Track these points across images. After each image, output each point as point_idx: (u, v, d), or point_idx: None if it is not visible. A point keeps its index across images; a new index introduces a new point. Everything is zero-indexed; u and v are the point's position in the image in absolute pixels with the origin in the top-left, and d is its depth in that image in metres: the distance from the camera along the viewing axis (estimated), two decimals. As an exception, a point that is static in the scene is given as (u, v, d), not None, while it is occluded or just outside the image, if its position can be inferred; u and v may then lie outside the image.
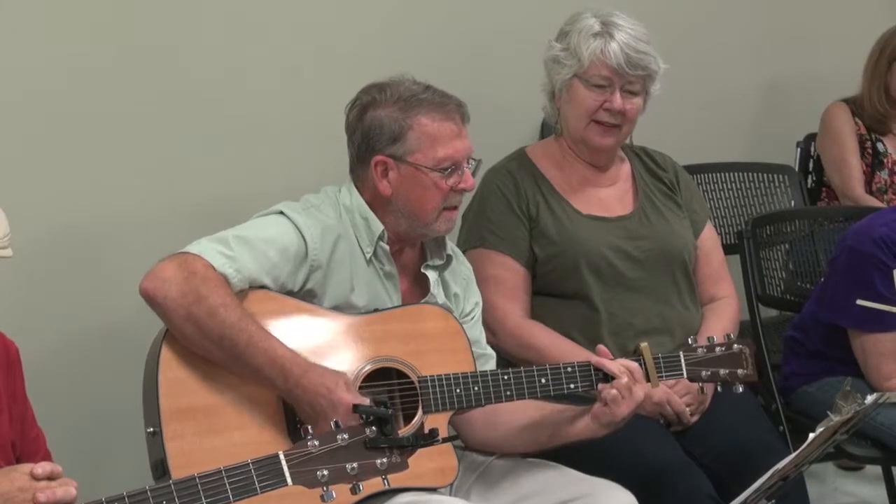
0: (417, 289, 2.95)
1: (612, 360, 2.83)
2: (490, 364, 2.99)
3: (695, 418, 3.21)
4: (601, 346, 2.88)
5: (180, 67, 3.55)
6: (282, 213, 2.81)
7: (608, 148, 3.33)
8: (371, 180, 2.85)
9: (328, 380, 2.61)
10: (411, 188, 2.82)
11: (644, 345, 2.88)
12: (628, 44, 3.22)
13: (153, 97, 3.51)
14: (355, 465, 2.21)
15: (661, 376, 2.91)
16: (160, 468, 2.58)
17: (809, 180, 4.76)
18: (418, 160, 2.81)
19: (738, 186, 4.49)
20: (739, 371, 2.97)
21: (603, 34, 3.23)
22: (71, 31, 3.39)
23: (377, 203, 2.86)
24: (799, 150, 4.80)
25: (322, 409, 2.59)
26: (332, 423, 2.24)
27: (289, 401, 2.66)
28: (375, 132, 2.82)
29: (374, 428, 2.24)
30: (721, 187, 4.47)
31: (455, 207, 2.88)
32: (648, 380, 2.86)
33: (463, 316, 2.98)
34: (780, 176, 4.55)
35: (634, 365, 2.81)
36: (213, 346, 2.62)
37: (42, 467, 2.18)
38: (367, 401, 2.58)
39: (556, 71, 3.29)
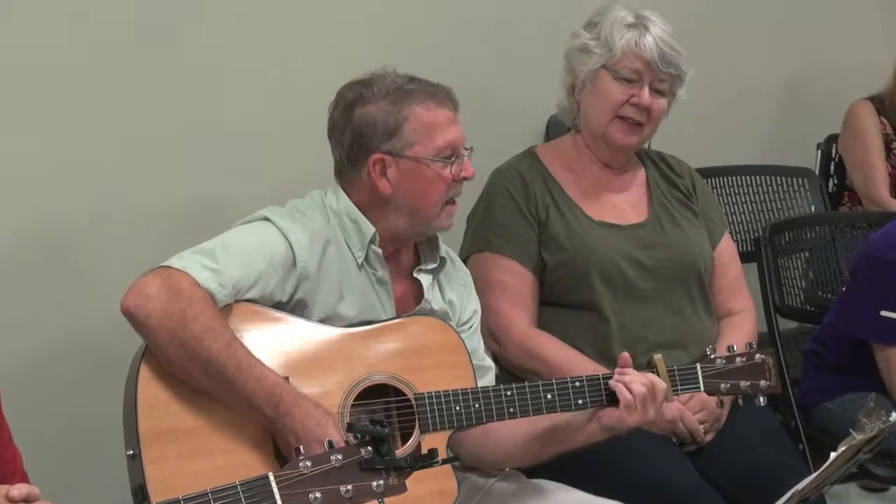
0: (412, 294, 2.93)
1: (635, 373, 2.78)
2: (488, 377, 2.97)
3: (709, 436, 3.20)
4: (625, 354, 2.82)
5: (166, 63, 3.55)
6: (266, 219, 2.80)
7: (629, 147, 3.33)
8: (367, 181, 2.82)
9: (319, 413, 2.60)
10: (413, 183, 2.81)
11: (658, 356, 2.85)
12: (663, 39, 3.23)
13: (139, 94, 3.51)
14: (350, 487, 2.20)
15: (677, 391, 2.89)
16: (140, 494, 2.57)
17: (831, 184, 4.76)
18: (418, 153, 2.79)
19: (755, 191, 4.50)
20: (762, 383, 2.94)
21: (637, 26, 3.24)
22: (50, 22, 3.38)
23: (374, 204, 2.83)
24: (819, 151, 4.80)
25: (308, 442, 2.56)
26: (325, 444, 2.23)
27: (274, 429, 2.63)
28: (368, 129, 2.80)
29: (369, 448, 2.23)
30: (737, 192, 4.47)
31: (454, 201, 2.87)
32: None
33: (460, 325, 2.97)
34: (800, 179, 4.56)
35: (661, 386, 2.75)
36: (199, 370, 2.60)
37: (18, 489, 2.17)
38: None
39: (582, 61, 3.29)
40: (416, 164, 2.79)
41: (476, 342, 2.99)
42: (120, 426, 2.68)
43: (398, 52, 3.76)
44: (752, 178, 4.51)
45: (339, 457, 2.20)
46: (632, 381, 2.71)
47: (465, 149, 2.85)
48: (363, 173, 2.83)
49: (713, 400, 3.17)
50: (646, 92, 3.25)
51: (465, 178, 2.85)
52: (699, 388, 2.92)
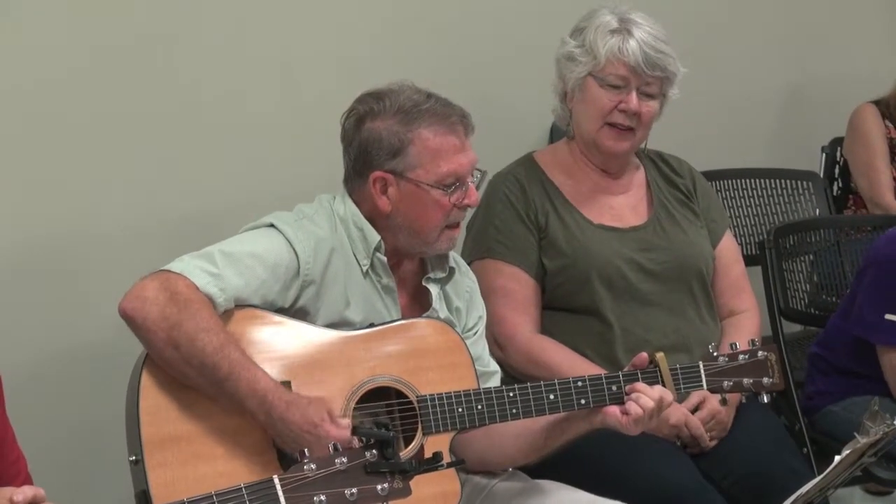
0: (418, 303, 2.94)
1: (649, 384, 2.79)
2: (493, 382, 2.97)
3: (713, 443, 3.21)
4: (643, 354, 2.83)
5: (168, 70, 3.55)
6: (272, 225, 2.80)
7: (621, 153, 3.34)
8: (369, 195, 2.83)
9: (313, 413, 2.59)
10: (411, 205, 2.81)
11: (660, 355, 2.84)
12: (647, 42, 3.23)
13: (138, 100, 3.51)
14: (354, 490, 2.21)
15: (680, 389, 2.89)
16: (144, 499, 2.58)
17: (835, 187, 4.76)
18: (419, 176, 2.79)
19: (760, 194, 4.50)
20: (765, 380, 2.94)
21: (621, 31, 3.24)
22: (50, 28, 3.38)
23: (376, 218, 2.84)
24: (824, 155, 4.80)
25: (308, 444, 2.55)
26: (329, 447, 2.24)
27: (272, 434, 2.64)
28: (374, 146, 2.80)
29: (374, 451, 2.24)
30: (742, 195, 4.47)
31: (457, 225, 2.87)
32: None
33: (465, 331, 2.97)
34: (804, 183, 4.56)
35: (668, 398, 2.76)
36: (194, 372, 2.61)
37: (23, 493, 2.17)
38: (348, 435, 2.55)
39: (570, 69, 3.29)
40: (417, 187, 2.80)
41: (481, 348, 3.00)
42: (123, 430, 2.69)
43: (402, 57, 3.79)
44: (757, 181, 4.51)
45: (344, 460, 2.21)
46: (640, 397, 2.72)
47: (479, 170, 2.85)
48: (366, 187, 2.84)
49: (724, 410, 3.19)
50: (633, 97, 3.25)
51: (468, 206, 2.85)
52: (702, 385, 2.91)
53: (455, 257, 3.01)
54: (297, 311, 2.78)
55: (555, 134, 4.10)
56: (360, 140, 2.82)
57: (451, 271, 2.97)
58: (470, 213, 3.27)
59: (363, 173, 2.83)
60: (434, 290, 2.92)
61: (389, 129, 2.79)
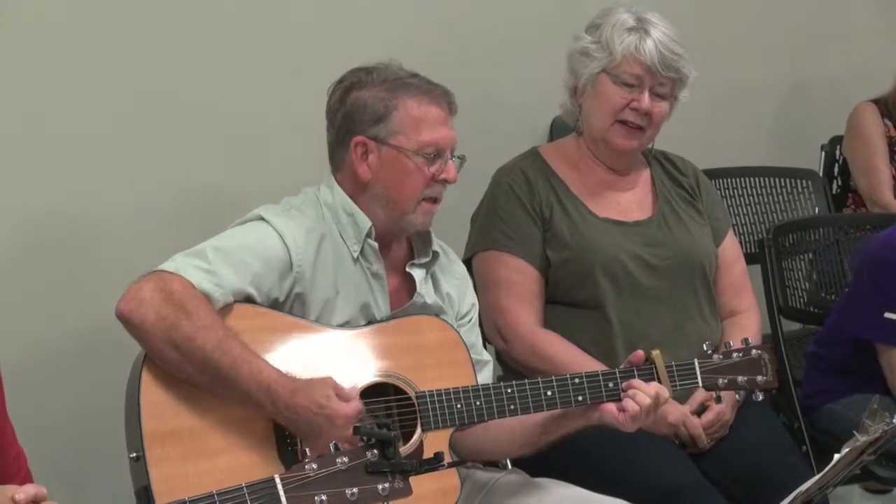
0: (405, 288, 2.94)
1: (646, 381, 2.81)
2: (486, 370, 2.99)
3: (711, 444, 3.21)
4: (639, 352, 2.84)
5: (167, 59, 3.55)
6: (262, 218, 2.81)
7: (630, 151, 3.34)
8: (350, 165, 2.84)
9: (318, 394, 2.60)
10: (391, 172, 2.82)
11: (656, 352, 2.85)
12: (664, 43, 3.24)
13: (139, 93, 3.50)
14: (355, 490, 2.21)
15: (676, 386, 2.89)
16: (144, 496, 2.58)
17: (835, 185, 4.76)
18: (401, 143, 2.81)
19: (760, 192, 4.49)
20: (759, 378, 2.95)
21: (638, 30, 3.25)
22: (47, 19, 3.38)
23: (355, 191, 2.85)
24: (824, 153, 4.80)
25: (320, 427, 2.58)
26: (331, 446, 2.24)
27: (282, 423, 2.65)
28: (358, 112, 2.82)
29: (375, 451, 2.24)
30: (741, 193, 4.47)
31: (436, 200, 2.87)
32: None
33: (459, 318, 2.99)
34: (804, 181, 4.56)
35: (665, 395, 2.78)
36: (196, 370, 2.61)
37: (25, 491, 2.17)
38: (359, 407, 2.58)
39: (584, 64, 3.30)
40: (398, 153, 2.81)
41: (474, 337, 3.01)
42: (122, 426, 2.69)
43: (402, 51, 3.74)
44: (757, 179, 4.51)
45: (345, 459, 2.21)
46: (637, 394, 2.73)
47: (458, 157, 2.86)
48: (347, 155, 2.85)
49: (727, 411, 3.20)
50: (646, 96, 3.25)
51: (446, 181, 2.86)
52: (697, 383, 2.92)
53: (441, 245, 3.01)
54: (293, 301, 2.78)
55: (555, 131, 4.10)
56: (345, 109, 2.84)
57: (436, 255, 2.97)
58: (473, 204, 3.30)
59: (345, 141, 2.84)
60: (418, 275, 2.92)
61: (375, 96, 2.82)
